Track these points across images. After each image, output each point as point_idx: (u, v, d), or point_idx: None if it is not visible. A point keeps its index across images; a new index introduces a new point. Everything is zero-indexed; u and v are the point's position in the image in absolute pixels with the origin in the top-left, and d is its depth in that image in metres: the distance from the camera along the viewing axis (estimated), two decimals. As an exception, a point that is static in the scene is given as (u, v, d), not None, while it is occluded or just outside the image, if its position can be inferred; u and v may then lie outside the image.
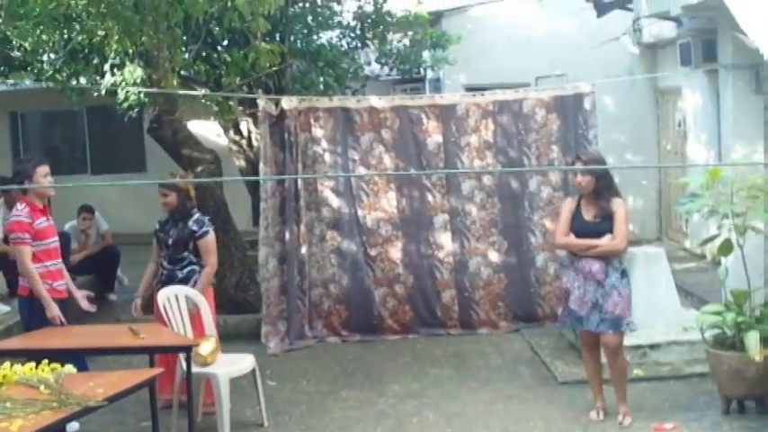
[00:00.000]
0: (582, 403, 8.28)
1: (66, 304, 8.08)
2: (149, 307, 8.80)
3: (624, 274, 7.70)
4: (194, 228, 8.63)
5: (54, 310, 7.79)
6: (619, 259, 7.68)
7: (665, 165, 17.00)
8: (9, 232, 7.81)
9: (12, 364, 6.16)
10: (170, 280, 8.56)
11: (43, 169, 7.93)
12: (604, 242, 7.57)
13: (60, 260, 8.21)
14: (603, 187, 7.67)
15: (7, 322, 10.76)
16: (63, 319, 7.84)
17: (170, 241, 8.61)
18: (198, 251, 8.64)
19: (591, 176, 7.65)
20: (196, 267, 8.64)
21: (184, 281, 8.56)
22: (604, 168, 7.76)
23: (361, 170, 11.00)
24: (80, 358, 7.81)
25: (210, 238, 8.75)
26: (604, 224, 7.62)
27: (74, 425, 7.67)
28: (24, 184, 7.84)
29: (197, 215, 8.76)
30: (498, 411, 8.14)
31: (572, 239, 7.83)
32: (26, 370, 6.12)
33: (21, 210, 7.84)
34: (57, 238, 8.18)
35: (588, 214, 7.76)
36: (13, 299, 11.50)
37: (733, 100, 10.94)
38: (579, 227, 7.76)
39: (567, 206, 7.96)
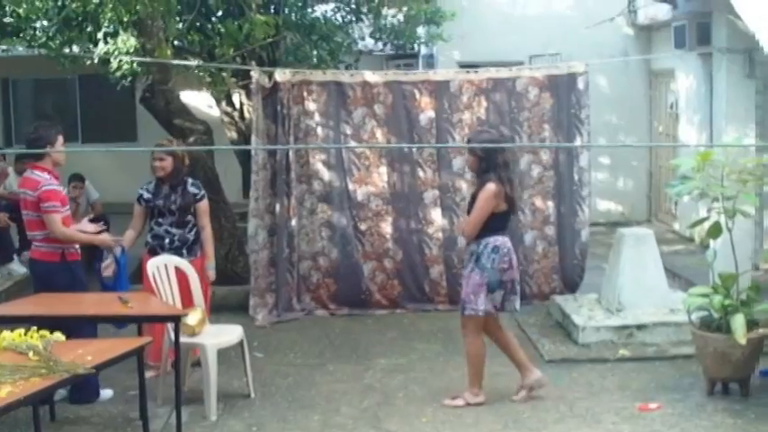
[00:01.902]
0: (568, 381, 8.34)
1: (80, 265, 8.18)
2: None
3: (477, 258, 7.63)
4: (195, 191, 8.82)
5: (107, 240, 8.40)
6: (477, 243, 7.65)
7: (654, 144, 17.04)
8: (44, 200, 7.77)
9: (1, 331, 6.17)
10: (183, 243, 8.71)
11: (61, 137, 8.08)
12: (461, 224, 7.72)
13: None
14: (482, 170, 7.75)
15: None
16: (117, 238, 8.43)
17: (174, 207, 8.68)
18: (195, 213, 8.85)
19: (473, 156, 7.81)
20: (197, 228, 8.85)
21: (195, 242, 8.81)
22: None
23: (353, 144, 11.00)
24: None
25: (207, 200, 9.02)
26: (472, 205, 7.74)
27: (108, 392, 8.04)
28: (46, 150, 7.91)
29: (190, 179, 8.93)
30: (484, 388, 8.13)
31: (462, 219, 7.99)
32: (15, 336, 6.14)
33: (49, 178, 7.88)
34: None
35: (470, 193, 8.04)
36: (4, 265, 11.54)
37: (726, 83, 10.98)
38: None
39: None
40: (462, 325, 7.90)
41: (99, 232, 8.58)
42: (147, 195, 8.78)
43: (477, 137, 8.29)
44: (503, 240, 7.70)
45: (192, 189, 8.81)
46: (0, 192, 12.84)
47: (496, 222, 7.67)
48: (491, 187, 7.57)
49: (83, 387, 7.64)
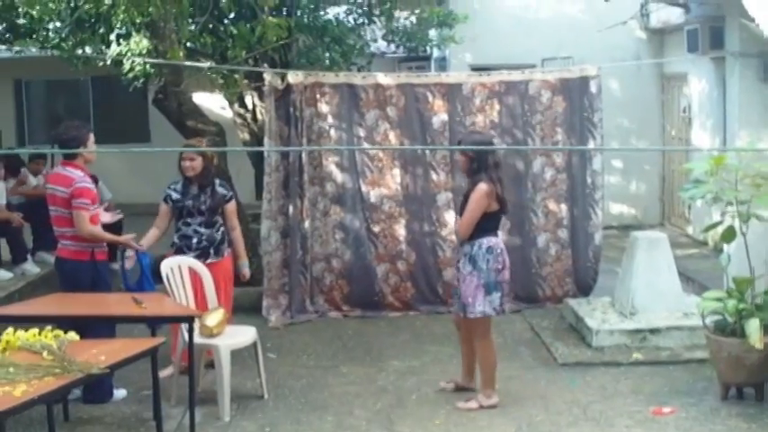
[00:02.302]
0: (581, 385, 8.31)
1: (106, 265, 8.29)
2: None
3: (472, 260, 7.69)
4: (224, 192, 8.87)
5: (131, 242, 8.43)
6: (471, 244, 7.71)
7: (667, 148, 17.02)
8: (76, 197, 7.87)
9: (15, 330, 6.18)
10: (211, 243, 8.73)
11: (92, 136, 8.16)
12: (455, 225, 7.81)
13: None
14: (474, 170, 7.80)
15: (9, 288, 10.78)
16: (137, 243, 8.44)
17: (203, 207, 8.68)
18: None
19: (464, 157, 7.89)
20: (224, 228, 8.91)
21: (222, 242, 8.84)
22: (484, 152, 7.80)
23: (366, 146, 11.01)
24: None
25: (234, 201, 9.12)
26: (464, 206, 7.82)
27: (121, 392, 8.08)
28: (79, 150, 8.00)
29: (218, 180, 8.96)
30: (497, 391, 8.13)
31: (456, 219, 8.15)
32: (29, 336, 6.14)
33: (82, 176, 7.99)
34: None
35: (462, 194, 8.11)
36: (17, 265, 11.55)
37: (739, 87, 10.93)
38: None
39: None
40: (469, 328, 7.95)
41: (117, 224, 8.63)
42: (175, 195, 8.76)
43: (468, 138, 8.52)
44: (496, 241, 7.79)
45: (220, 190, 8.84)
46: (21, 189, 12.87)
47: (489, 223, 7.76)
48: (483, 187, 7.64)
49: (96, 387, 7.65)
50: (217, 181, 8.90)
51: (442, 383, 8.31)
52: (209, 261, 8.64)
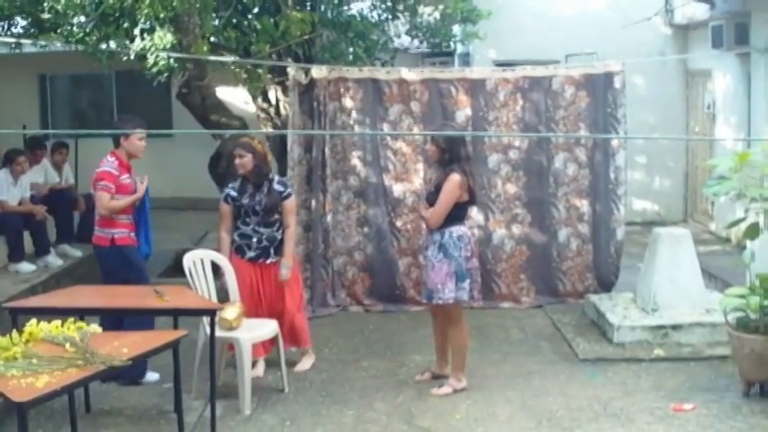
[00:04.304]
0: (602, 381, 8.30)
1: (137, 252, 8.46)
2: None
3: (442, 248, 7.87)
4: (281, 189, 8.65)
5: (141, 190, 8.44)
6: (441, 233, 7.89)
7: (689, 138, 16.94)
8: (98, 180, 8.12)
9: (38, 322, 6.21)
10: (271, 242, 8.59)
11: (138, 130, 8.28)
12: (425, 213, 8.04)
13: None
14: (445, 161, 7.98)
15: (32, 281, 10.82)
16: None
17: (258, 207, 8.50)
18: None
19: (436, 147, 8.03)
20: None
21: (281, 242, 8.64)
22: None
23: (390, 142, 11.02)
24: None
25: (294, 199, 8.92)
26: (434, 195, 7.96)
27: (154, 375, 8.25)
28: (120, 140, 8.23)
29: (277, 177, 8.83)
30: (518, 385, 8.16)
31: (421, 207, 8.41)
32: (52, 328, 6.16)
33: (111, 161, 8.20)
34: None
35: (432, 184, 8.28)
36: (40, 258, 11.60)
37: (764, 83, 10.93)
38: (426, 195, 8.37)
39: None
40: (441, 313, 8.21)
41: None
42: (233, 194, 8.59)
43: (442, 129, 8.82)
44: (465, 230, 8.06)
45: (277, 187, 8.63)
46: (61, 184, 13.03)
47: (459, 212, 7.99)
48: (456, 177, 7.83)
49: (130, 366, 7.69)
50: (275, 178, 8.74)
51: (418, 377, 8.47)
52: (269, 261, 8.60)
